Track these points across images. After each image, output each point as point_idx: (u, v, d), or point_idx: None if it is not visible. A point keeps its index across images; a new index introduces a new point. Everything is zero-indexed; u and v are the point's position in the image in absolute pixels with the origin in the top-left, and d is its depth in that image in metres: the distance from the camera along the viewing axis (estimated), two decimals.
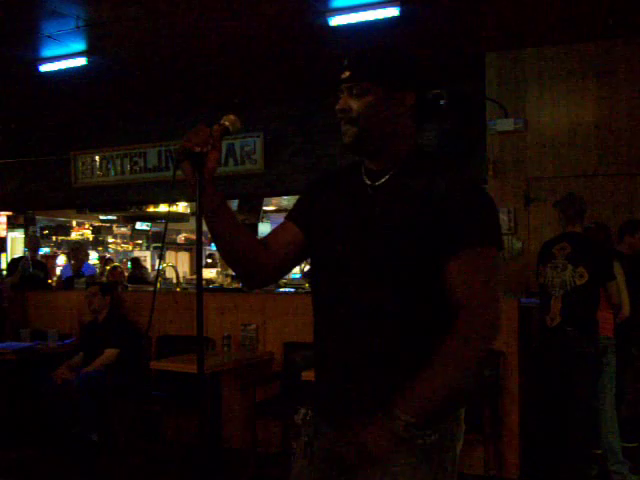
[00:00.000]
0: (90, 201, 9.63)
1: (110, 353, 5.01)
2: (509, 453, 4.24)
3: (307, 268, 7.91)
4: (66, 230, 14.64)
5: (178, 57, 6.29)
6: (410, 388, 1.44)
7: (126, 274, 9.85)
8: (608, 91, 5.75)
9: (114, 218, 14.35)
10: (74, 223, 15.01)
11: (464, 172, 1.56)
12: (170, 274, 8.21)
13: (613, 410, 4.08)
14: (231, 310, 5.03)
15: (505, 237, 5.95)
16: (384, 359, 1.52)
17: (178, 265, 13.31)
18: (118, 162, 8.82)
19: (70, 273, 7.52)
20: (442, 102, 6.14)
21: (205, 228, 1.59)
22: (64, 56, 6.13)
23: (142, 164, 8.63)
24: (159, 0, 5.02)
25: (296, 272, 10.09)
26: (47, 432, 5.00)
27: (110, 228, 15.69)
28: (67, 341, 5.55)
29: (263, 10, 5.19)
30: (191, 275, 13.45)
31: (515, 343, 4.27)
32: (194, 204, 1.54)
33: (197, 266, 1.61)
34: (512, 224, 5.93)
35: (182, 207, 11.91)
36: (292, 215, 1.71)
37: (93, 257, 13.73)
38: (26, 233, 10.74)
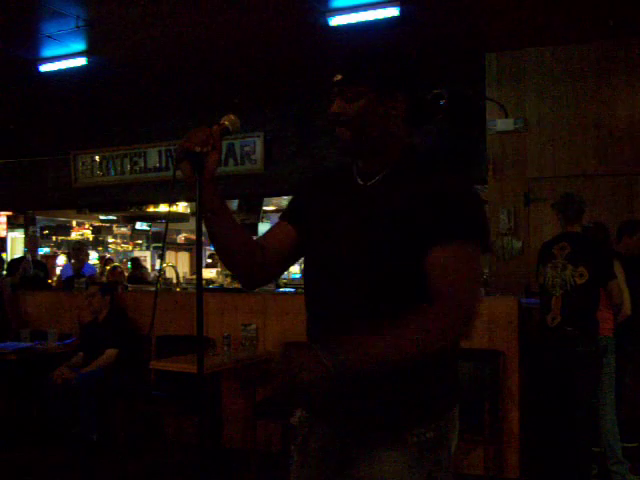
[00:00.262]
0: (90, 201, 9.62)
1: (110, 353, 5.01)
2: (509, 453, 4.24)
3: None
4: (66, 230, 14.65)
5: (178, 57, 6.29)
6: (358, 340, 1.41)
7: (126, 274, 9.84)
8: (608, 91, 5.75)
9: (114, 218, 14.35)
10: (74, 223, 15.01)
11: (456, 171, 1.56)
12: (170, 274, 8.21)
13: (613, 410, 4.08)
14: (231, 310, 5.03)
15: (505, 237, 5.95)
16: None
17: (178, 265, 13.30)
18: (118, 162, 8.82)
19: (70, 273, 7.52)
20: (442, 102, 6.14)
21: (204, 228, 1.59)
22: (64, 56, 6.12)
23: (142, 164, 8.63)
24: (159, 0, 5.02)
25: (296, 272, 10.09)
26: (47, 432, 5.00)
27: (110, 228, 15.70)
28: (67, 341, 5.55)
29: (263, 10, 5.19)
30: (191, 275, 13.44)
31: (515, 343, 4.27)
32: (194, 204, 1.54)
33: (197, 266, 1.61)
34: (512, 224, 5.93)
35: (182, 207, 11.91)
36: (286, 215, 1.72)
37: (93, 257, 13.73)
38: (26, 233, 10.73)
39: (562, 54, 5.90)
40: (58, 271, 10.39)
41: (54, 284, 7.97)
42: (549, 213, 5.37)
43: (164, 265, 7.71)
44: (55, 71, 6.36)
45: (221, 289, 6.72)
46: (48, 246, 14.48)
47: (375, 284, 1.51)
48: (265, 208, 10.45)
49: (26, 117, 8.59)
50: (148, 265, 13.99)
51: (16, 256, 9.47)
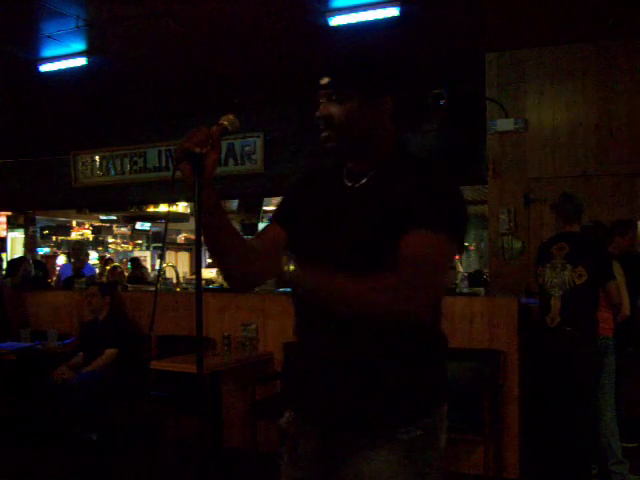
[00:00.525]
0: (90, 201, 9.63)
1: (110, 353, 5.01)
2: (509, 453, 4.24)
3: None
4: (66, 230, 14.66)
5: (178, 57, 6.29)
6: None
7: (126, 274, 9.84)
8: (608, 91, 5.75)
9: (114, 218, 14.37)
10: (74, 223, 15.03)
11: (444, 170, 1.56)
12: (170, 274, 8.21)
13: (613, 410, 4.08)
14: (231, 310, 5.03)
15: (505, 237, 5.95)
16: (366, 357, 1.52)
17: (178, 265, 13.31)
18: (118, 162, 8.82)
19: (69, 273, 7.52)
20: (442, 102, 6.15)
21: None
22: (64, 56, 6.13)
23: (142, 164, 8.63)
24: (159, 0, 5.02)
25: None
26: (47, 432, 5.00)
27: (110, 228, 15.71)
28: (67, 341, 5.55)
29: (263, 10, 5.19)
30: (191, 275, 13.45)
31: (515, 343, 4.27)
32: (194, 204, 1.54)
33: (196, 266, 1.61)
34: (512, 224, 5.93)
35: (182, 207, 11.92)
36: (276, 216, 1.73)
37: (93, 257, 13.73)
38: (26, 233, 10.74)
39: (562, 54, 5.90)
40: (58, 271, 10.39)
41: (54, 284, 7.97)
42: (549, 213, 5.38)
43: (164, 265, 7.72)
44: (55, 71, 6.36)
45: (221, 289, 6.71)
46: (48, 246, 14.48)
47: None
48: (265, 208, 10.46)
49: (26, 117, 8.59)
50: (148, 265, 13.99)
51: (16, 256, 9.45)
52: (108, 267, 9.85)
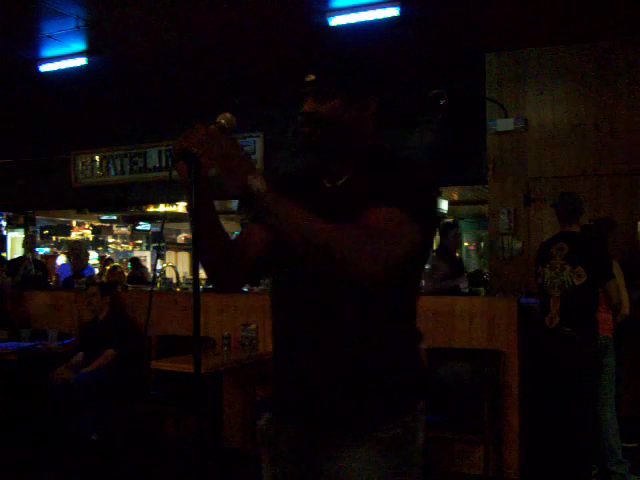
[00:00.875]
0: (90, 201, 9.63)
1: (110, 353, 5.01)
2: (509, 453, 4.24)
3: None
4: (66, 230, 14.65)
5: (178, 57, 6.29)
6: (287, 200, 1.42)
7: (126, 274, 9.84)
8: (608, 91, 5.75)
9: (114, 218, 14.37)
10: (74, 223, 15.02)
11: (420, 166, 1.57)
12: (170, 274, 8.21)
13: (613, 410, 4.07)
14: (231, 310, 5.03)
15: (505, 237, 5.95)
16: (344, 356, 1.53)
17: (178, 265, 13.31)
18: (118, 162, 8.82)
19: (69, 273, 7.52)
20: (442, 102, 6.15)
21: None
22: (64, 56, 6.13)
23: (142, 164, 8.63)
24: (159, 0, 5.02)
25: None
26: (47, 432, 5.00)
27: (110, 228, 15.70)
28: (67, 341, 5.55)
29: (263, 10, 5.19)
30: (191, 275, 13.43)
31: (515, 343, 4.27)
32: (187, 203, 1.54)
33: (194, 266, 1.61)
34: (512, 224, 5.93)
35: (182, 207, 11.92)
36: (258, 217, 1.71)
37: (93, 257, 13.73)
38: (26, 233, 10.73)
39: (562, 54, 5.90)
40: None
41: (54, 284, 7.96)
42: (549, 213, 5.38)
43: (164, 265, 7.72)
44: (55, 71, 6.36)
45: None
46: (48, 246, 14.48)
47: (339, 286, 1.50)
48: None
49: (26, 117, 8.59)
50: (148, 265, 13.98)
51: (15, 256, 9.44)
52: (108, 267, 9.85)
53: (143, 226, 15.06)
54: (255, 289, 5.44)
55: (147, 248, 16.18)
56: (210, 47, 6.00)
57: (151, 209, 11.93)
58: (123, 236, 16.36)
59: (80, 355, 5.18)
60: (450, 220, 5.93)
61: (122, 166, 8.79)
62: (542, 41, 5.86)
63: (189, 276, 12.79)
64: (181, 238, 16.16)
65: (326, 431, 1.55)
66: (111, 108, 8.12)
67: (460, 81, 6.42)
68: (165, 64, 6.49)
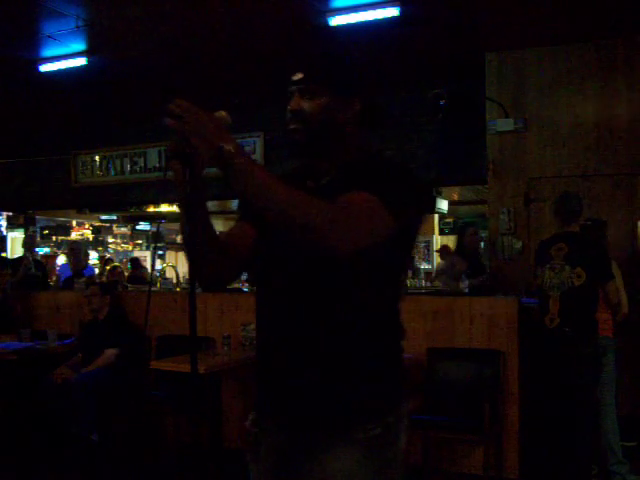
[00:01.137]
0: (90, 201, 9.63)
1: (110, 353, 5.02)
2: (509, 453, 4.24)
3: None
4: (66, 230, 14.64)
5: (178, 57, 6.29)
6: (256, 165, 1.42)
7: (126, 274, 9.85)
8: (608, 91, 5.75)
9: (114, 218, 14.36)
10: (74, 223, 15.02)
11: (399, 164, 1.60)
12: (170, 274, 8.21)
13: (614, 410, 4.08)
14: (231, 310, 5.03)
15: (505, 237, 5.95)
16: (322, 356, 1.54)
17: (178, 265, 13.30)
18: (118, 162, 8.82)
19: (69, 273, 7.52)
20: (442, 102, 6.15)
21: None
22: (64, 56, 6.13)
23: (142, 164, 8.63)
24: (159, 0, 5.02)
25: None
26: (47, 432, 5.00)
27: (110, 228, 15.71)
28: (67, 341, 5.55)
29: (263, 10, 5.19)
30: None
31: (515, 343, 4.27)
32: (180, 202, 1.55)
33: (190, 266, 1.62)
34: (512, 224, 5.93)
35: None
36: (244, 215, 1.73)
37: (93, 257, 13.73)
38: (26, 233, 10.73)
39: (562, 54, 5.90)
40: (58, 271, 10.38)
41: (54, 284, 7.96)
42: (549, 213, 5.38)
43: (164, 265, 7.72)
44: (55, 71, 6.36)
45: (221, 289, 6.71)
46: (48, 246, 14.47)
47: (318, 285, 1.51)
48: None
49: (26, 117, 8.59)
50: (148, 265, 13.98)
51: (15, 256, 9.44)
52: (108, 267, 9.86)
53: (143, 226, 15.06)
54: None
55: (147, 248, 16.18)
56: (210, 47, 6.00)
57: (151, 209, 11.93)
58: (123, 236, 16.36)
59: (80, 355, 5.18)
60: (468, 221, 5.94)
61: (122, 166, 8.79)
62: (542, 41, 5.85)
63: (189, 276, 12.80)
64: (181, 238, 16.16)
65: (306, 431, 1.56)
66: (111, 108, 8.12)
67: (460, 81, 6.42)
68: (165, 64, 6.49)
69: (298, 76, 1.61)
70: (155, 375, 4.86)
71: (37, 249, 10.97)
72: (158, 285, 6.91)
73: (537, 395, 4.27)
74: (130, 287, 7.11)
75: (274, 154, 7.89)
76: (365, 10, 5.12)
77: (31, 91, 7.29)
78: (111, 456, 4.74)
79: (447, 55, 6.12)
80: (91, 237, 15.51)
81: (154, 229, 14.92)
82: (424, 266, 12.17)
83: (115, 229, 15.85)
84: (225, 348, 4.63)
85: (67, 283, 7.00)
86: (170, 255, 15.73)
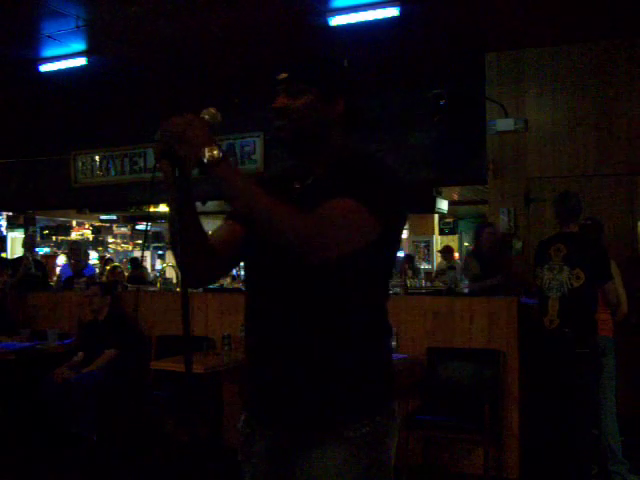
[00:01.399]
0: (90, 201, 9.62)
1: (110, 353, 5.02)
2: (509, 453, 4.24)
3: None
4: (66, 230, 14.65)
5: (178, 57, 6.29)
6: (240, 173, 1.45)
7: (126, 274, 9.85)
8: (608, 91, 5.75)
9: (114, 218, 14.37)
10: (74, 223, 15.02)
11: (378, 161, 1.61)
12: (170, 274, 8.21)
13: (614, 410, 4.08)
14: (231, 310, 5.03)
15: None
16: (310, 354, 1.54)
17: None
18: (118, 162, 8.82)
19: (69, 273, 7.52)
20: (442, 102, 6.15)
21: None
22: (64, 56, 6.13)
23: (142, 164, 8.63)
24: (159, 0, 5.02)
25: None
26: (47, 432, 5.00)
27: (110, 228, 15.71)
28: (67, 341, 5.55)
29: (263, 10, 5.19)
30: None
31: (515, 343, 4.27)
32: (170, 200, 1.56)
33: (177, 264, 1.62)
34: (512, 224, 5.93)
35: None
36: (232, 214, 1.74)
37: (93, 257, 13.73)
38: (26, 233, 10.74)
39: (562, 54, 5.90)
40: (58, 271, 10.39)
41: (54, 284, 7.97)
42: (549, 213, 5.38)
43: (164, 265, 7.72)
44: (55, 71, 6.36)
45: (221, 289, 6.72)
46: (48, 246, 14.48)
47: (303, 284, 1.52)
48: None
49: (26, 117, 8.59)
50: (148, 265, 13.99)
51: (15, 256, 9.44)
52: (108, 267, 9.86)
53: (143, 226, 15.07)
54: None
55: (147, 248, 16.19)
56: (210, 47, 6.00)
57: (151, 209, 11.92)
58: (123, 236, 16.37)
59: (80, 355, 5.18)
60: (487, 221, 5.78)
61: (122, 166, 8.79)
62: (542, 41, 5.86)
63: None
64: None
65: (296, 431, 1.56)
66: (111, 108, 8.12)
67: (460, 81, 6.41)
68: (165, 64, 6.49)
69: (283, 76, 1.64)
70: (155, 375, 4.86)
71: (37, 249, 10.98)
72: (158, 285, 6.91)
73: (537, 395, 4.27)
74: (130, 287, 7.11)
75: (274, 154, 7.89)
76: (365, 10, 5.12)
77: (31, 91, 7.29)
78: (111, 456, 4.74)
79: (447, 55, 6.13)
80: (91, 237, 15.52)
81: (155, 229, 14.92)
82: (424, 266, 12.17)
83: (115, 229, 15.86)
84: (225, 348, 4.63)
85: (67, 283, 7.00)
86: (170, 255, 15.73)
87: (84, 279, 6.56)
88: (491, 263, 5.36)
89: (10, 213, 11.47)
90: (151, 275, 10.84)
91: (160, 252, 15.92)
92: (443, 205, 10.70)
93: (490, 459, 4.03)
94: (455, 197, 11.52)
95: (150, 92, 7.46)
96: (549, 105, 5.94)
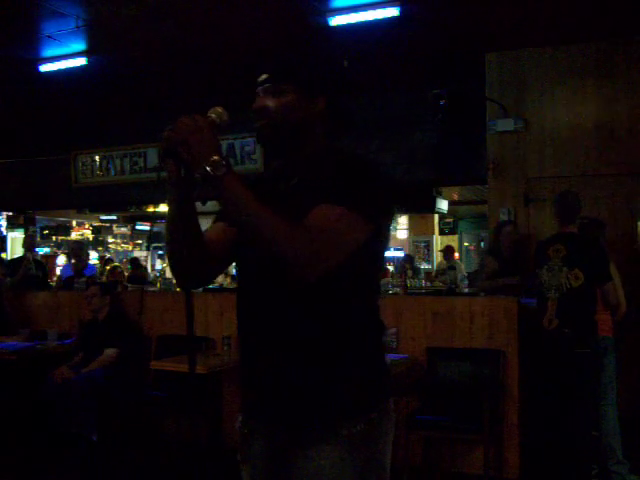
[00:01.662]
0: (90, 201, 9.63)
1: (110, 353, 5.01)
2: (509, 453, 4.24)
3: None
4: (66, 230, 14.64)
5: (178, 57, 6.29)
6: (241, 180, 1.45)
7: (126, 274, 9.85)
8: (608, 91, 5.75)
9: (114, 218, 14.37)
10: (74, 223, 15.02)
11: (363, 160, 1.60)
12: (170, 274, 8.20)
13: (615, 410, 4.07)
14: (231, 310, 5.00)
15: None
16: (303, 352, 1.55)
17: None
18: (118, 162, 8.82)
19: (70, 273, 7.52)
20: (442, 102, 6.15)
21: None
22: (64, 56, 6.13)
23: (142, 164, 8.63)
24: (159, 0, 5.02)
25: None
26: (47, 432, 4.99)
27: (110, 228, 15.71)
28: (67, 341, 5.55)
29: (263, 10, 5.19)
30: None
31: (515, 343, 4.27)
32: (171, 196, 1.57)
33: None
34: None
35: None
36: (223, 216, 1.74)
37: (93, 257, 13.72)
38: (26, 233, 10.73)
39: (562, 54, 5.90)
40: (58, 271, 10.39)
41: (54, 284, 7.97)
42: (549, 213, 5.38)
43: (164, 265, 7.71)
44: (55, 71, 6.36)
45: (221, 289, 6.72)
46: (48, 246, 14.47)
47: (290, 292, 1.52)
48: None
49: (26, 117, 8.59)
50: (148, 265, 13.99)
51: (15, 256, 9.44)
52: (108, 267, 9.86)
53: (143, 226, 15.06)
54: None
55: (147, 248, 16.18)
56: (210, 47, 6.00)
57: (151, 209, 11.93)
58: (123, 236, 16.36)
59: (80, 355, 5.18)
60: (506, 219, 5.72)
61: (122, 166, 8.79)
62: (542, 41, 5.86)
63: None
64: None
65: (292, 430, 1.57)
66: (111, 108, 8.12)
67: (460, 81, 6.41)
68: (165, 64, 6.49)
69: (263, 77, 1.63)
70: (155, 375, 4.86)
71: (37, 249, 10.97)
72: (158, 285, 6.91)
73: (537, 395, 4.27)
74: (130, 287, 7.11)
75: None
76: (365, 10, 5.12)
77: (31, 91, 7.29)
78: (111, 456, 4.74)
79: (447, 55, 6.12)
80: (91, 237, 15.51)
81: (155, 229, 14.92)
82: (424, 266, 12.17)
83: (115, 229, 15.86)
84: (225, 348, 4.63)
85: (67, 283, 7.00)
86: None
87: (84, 279, 6.56)
88: (509, 262, 5.32)
89: (10, 213, 11.46)
90: (151, 275, 10.83)
91: (160, 252, 15.91)
92: (443, 205, 10.69)
93: (490, 459, 4.03)
94: (455, 197, 11.52)
95: (150, 92, 7.46)
96: (549, 105, 5.94)
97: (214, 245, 1.68)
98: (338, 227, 1.45)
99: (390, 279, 6.74)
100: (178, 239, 1.58)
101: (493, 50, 6.09)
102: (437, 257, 12.51)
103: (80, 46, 5.97)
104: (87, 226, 15.41)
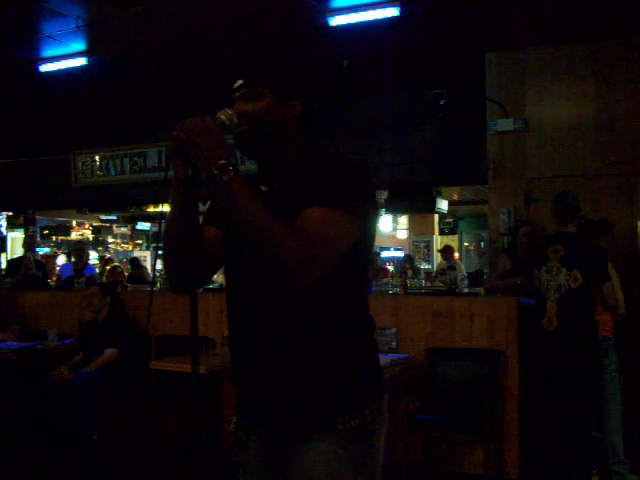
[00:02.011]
0: (90, 201, 9.62)
1: (110, 353, 5.01)
2: (509, 453, 4.24)
3: None
4: (66, 230, 14.64)
5: (178, 57, 6.29)
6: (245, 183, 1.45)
7: (126, 274, 9.84)
8: (608, 91, 5.75)
9: (114, 218, 14.36)
10: (74, 223, 15.02)
11: (343, 159, 1.60)
12: None
13: (617, 410, 4.07)
14: None
15: (505, 237, 5.95)
16: (296, 348, 1.56)
17: None
18: (118, 162, 8.82)
19: (70, 272, 7.52)
20: (442, 102, 6.15)
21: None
22: (64, 56, 6.13)
23: (142, 164, 8.63)
24: (159, 0, 5.02)
25: None
26: (47, 432, 5.00)
27: (110, 228, 15.69)
28: (67, 341, 5.55)
29: (263, 10, 5.19)
30: None
31: (515, 343, 4.27)
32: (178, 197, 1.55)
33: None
34: (512, 224, 5.92)
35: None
36: (210, 219, 1.74)
37: (93, 257, 13.72)
38: (26, 233, 10.73)
39: (562, 54, 5.90)
40: (58, 271, 10.38)
41: (54, 284, 7.96)
42: (549, 213, 5.37)
43: (161, 266, 7.71)
44: (55, 71, 6.36)
45: (221, 289, 6.71)
46: (48, 246, 14.47)
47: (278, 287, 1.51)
48: None
49: (26, 117, 8.59)
50: (148, 265, 13.97)
51: (15, 256, 9.44)
52: (108, 267, 9.86)
53: (143, 226, 15.05)
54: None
55: (147, 248, 16.18)
56: (210, 47, 6.00)
57: (151, 209, 11.92)
58: (123, 236, 16.35)
59: (80, 355, 5.18)
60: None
61: (122, 166, 8.79)
62: (542, 41, 5.86)
63: None
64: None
65: (284, 425, 1.58)
66: (111, 108, 8.11)
67: (460, 81, 6.42)
68: (165, 64, 6.49)
69: (238, 83, 1.65)
70: (155, 375, 4.86)
71: (37, 249, 10.97)
72: (158, 285, 6.90)
73: (537, 395, 4.26)
74: (130, 287, 7.11)
75: None
76: (365, 10, 5.12)
77: (31, 91, 7.29)
78: (111, 456, 4.74)
79: (447, 55, 6.12)
80: (91, 237, 15.51)
81: (155, 229, 14.92)
82: (424, 266, 12.17)
83: (115, 229, 15.85)
84: (225, 348, 4.62)
85: (67, 283, 7.00)
86: None
87: (84, 279, 6.56)
88: (523, 262, 5.29)
89: (10, 213, 11.46)
90: (151, 275, 10.82)
91: (160, 252, 15.89)
92: (443, 205, 10.67)
93: (490, 459, 4.03)
94: (455, 197, 11.52)
95: (150, 92, 7.45)
96: (549, 105, 5.94)
97: (209, 247, 1.68)
98: (332, 229, 1.46)
99: (390, 279, 6.75)
100: (178, 239, 1.58)
101: (493, 50, 6.09)
102: (437, 257, 12.51)
103: (80, 46, 5.97)
104: (87, 226, 15.40)
